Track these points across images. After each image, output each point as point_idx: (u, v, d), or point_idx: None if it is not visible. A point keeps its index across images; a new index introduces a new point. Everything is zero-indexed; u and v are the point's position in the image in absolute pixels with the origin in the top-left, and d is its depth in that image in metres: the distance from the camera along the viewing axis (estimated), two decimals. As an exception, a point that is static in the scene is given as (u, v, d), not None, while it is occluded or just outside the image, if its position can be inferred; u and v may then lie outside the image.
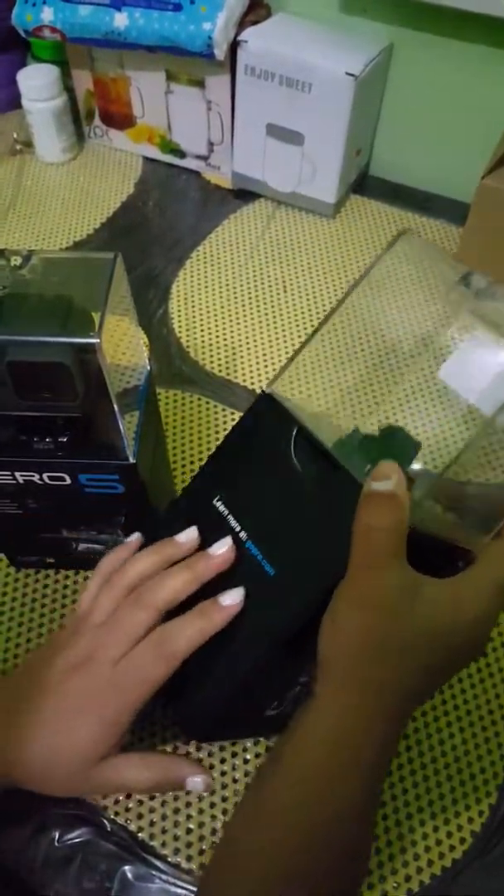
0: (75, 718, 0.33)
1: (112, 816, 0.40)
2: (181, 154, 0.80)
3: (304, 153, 0.71)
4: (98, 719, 0.33)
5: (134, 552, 0.37)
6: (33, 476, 0.37)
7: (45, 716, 0.33)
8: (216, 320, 0.66)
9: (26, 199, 0.78)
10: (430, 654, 0.29)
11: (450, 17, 0.66)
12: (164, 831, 0.39)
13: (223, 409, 0.59)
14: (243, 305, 0.68)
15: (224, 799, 0.41)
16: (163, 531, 0.36)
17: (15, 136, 0.82)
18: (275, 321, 0.66)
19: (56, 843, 0.39)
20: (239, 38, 0.66)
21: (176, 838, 0.39)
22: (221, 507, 0.35)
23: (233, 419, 0.58)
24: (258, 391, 0.61)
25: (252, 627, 0.32)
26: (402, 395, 0.37)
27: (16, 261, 0.33)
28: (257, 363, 0.63)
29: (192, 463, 0.55)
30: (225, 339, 0.65)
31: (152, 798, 0.40)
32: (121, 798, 0.40)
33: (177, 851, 0.39)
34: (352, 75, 0.64)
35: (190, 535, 0.35)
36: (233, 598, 0.32)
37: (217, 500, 0.35)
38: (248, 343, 0.64)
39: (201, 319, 0.66)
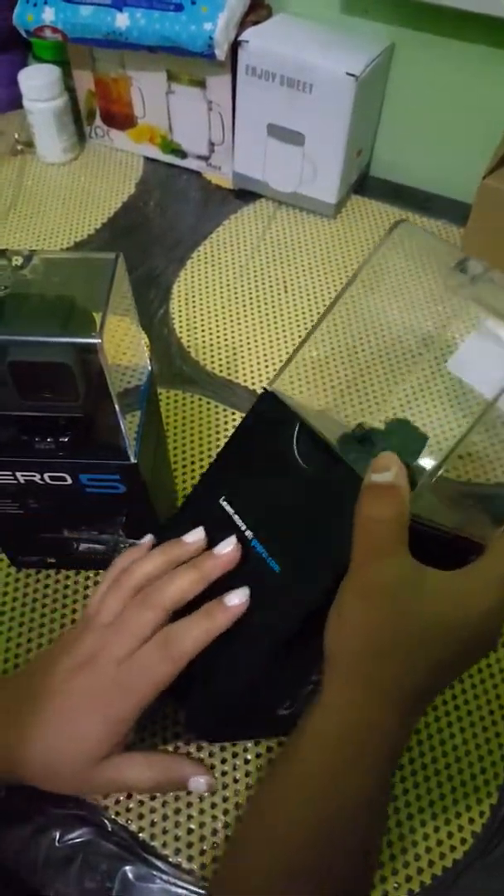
0: (79, 717, 0.33)
1: (113, 816, 0.40)
2: (182, 154, 0.80)
3: (304, 153, 0.71)
4: (102, 718, 0.33)
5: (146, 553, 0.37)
6: (34, 476, 0.37)
7: (50, 714, 0.34)
8: (217, 320, 0.66)
9: (27, 199, 0.78)
10: (439, 648, 0.29)
11: (450, 17, 0.66)
12: (164, 831, 0.39)
13: (224, 410, 0.59)
14: (244, 306, 0.68)
15: (225, 799, 0.41)
16: (170, 532, 0.37)
17: (16, 136, 0.82)
18: (276, 321, 0.66)
19: (57, 844, 0.39)
20: (240, 38, 0.66)
21: (177, 838, 0.39)
22: (227, 507, 0.35)
23: (233, 419, 0.58)
24: (259, 391, 0.61)
25: (259, 625, 0.32)
26: (407, 388, 0.37)
27: (17, 261, 0.33)
28: (258, 363, 0.63)
29: (192, 463, 0.55)
30: (226, 340, 0.65)
31: (153, 798, 0.40)
32: (121, 798, 0.40)
33: (178, 852, 0.39)
34: (353, 76, 0.64)
35: (197, 536, 0.35)
36: (238, 598, 0.32)
37: (223, 500, 0.35)
38: (249, 343, 0.64)
39: (202, 319, 0.66)
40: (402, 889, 0.38)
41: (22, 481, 0.38)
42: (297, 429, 0.34)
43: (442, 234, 0.75)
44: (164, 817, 0.40)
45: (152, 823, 0.40)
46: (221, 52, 0.66)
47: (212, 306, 0.68)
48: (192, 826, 0.40)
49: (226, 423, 0.58)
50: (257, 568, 0.33)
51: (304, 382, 0.37)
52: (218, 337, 0.65)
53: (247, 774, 0.41)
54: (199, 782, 0.35)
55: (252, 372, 0.62)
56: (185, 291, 0.69)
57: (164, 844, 0.39)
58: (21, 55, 0.82)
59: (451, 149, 0.76)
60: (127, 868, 0.38)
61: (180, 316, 0.67)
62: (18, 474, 0.37)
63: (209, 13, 0.65)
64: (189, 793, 0.40)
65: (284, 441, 0.34)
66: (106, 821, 0.40)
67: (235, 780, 0.41)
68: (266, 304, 0.68)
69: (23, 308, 0.31)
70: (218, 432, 0.58)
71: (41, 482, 0.38)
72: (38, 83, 0.75)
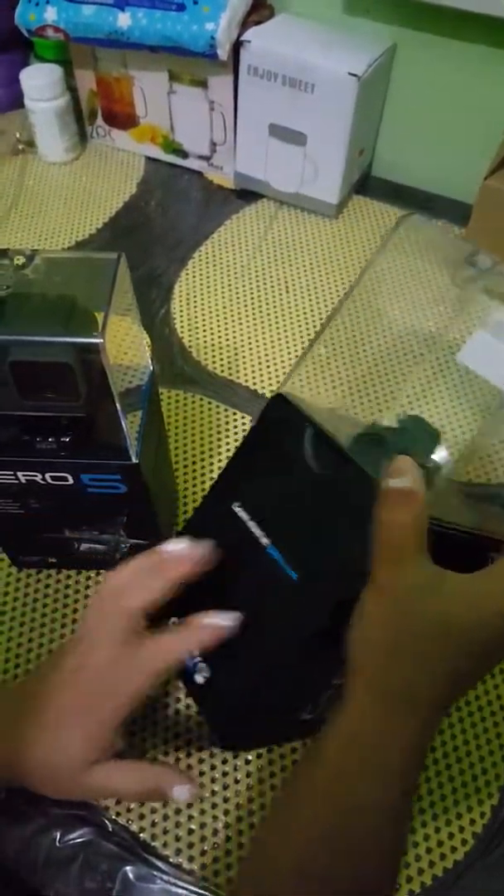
0: (68, 724, 0.34)
1: (113, 817, 0.40)
2: (184, 154, 0.80)
3: (306, 153, 0.71)
4: (84, 724, 0.34)
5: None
6: (36, 476, 0.37)
7: (45, 719, 0.34)
8: (218, 320, 0.66)
9: (29, 198, 0.78)
10: (458, 652, 0.28)
11: (450, 18, 0.66)
12: (165, 832, 0.39)
13: (225, 410, 0.59)
14: (245, 306, 0.68)
15: (226, 800, 0.41)
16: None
17: (17, 135, 0.82)
18: (277, 321, 0.66)
19: (57, 844, 0.39)
20: (242, 38, 0.66)
21: (177, 839, 0.39)
22: (241, 513, 0.35)
23: (235, 419, 0.58)
24: (260, 391, 0.61)
25: (278, 632, 0.32)
26: (416, 382, 0.37)
27: (19, 260, 0.33)
28: (259, 363, 0.63)
29: (194, 463, 0.55)
30: (227, 340, 0.65)
31: (154, 798, 0.40)
32: (122, 798, 0.40)
33: (178, 852, 0.39)
34: (354, 76, 0.64)
35: (177, 545, 0.35)
36: (224, 620, 0.32)
37: (236, 506, 0.35)
38: (250, 343, 0.64)
39: (203, 319, 0.66)
40: (402, 889, 0.38)
41: (23, 481, 0.38)
42: (309, 432, 0.33)
43: (443, 235, 0.75)
44: (165, 817, 0.40)
45: (153, 824, 0.40)
46: (223, 52, 0.66)
47: (213, 306, 0.68)
48: (193, 826, 0.40)
49: (227, 423, 0.58)
50: (273, 574, 0.32)
51: (315, 382, 0.37)
52: (219, 337, 0.65)
53: (247, 775, 0.41)
54: (182, 791, 0.35)
55: (253, 372, 0.62)
56: (186, 291, 0.69)
57: (165, 845, 0.39)
58: (22, 55, 0.82)
59: (451, 149, 0.76)
60: (127, 868, 0.38)
61: (182, 316, 0.67)
62: (20, 474, 0.37)
63: (211, 13, 0.65)
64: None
65: (297, 445, 0.33)
66: (106, 821, 0.40)
67: (236, 781, 0.41)
68: (267, 304, 0.68)
69: (24, 308, 0.31)
70: (219, 432, 0.58)
71: (42, 482, 0.38)
72: (39, 83, 0.75)
